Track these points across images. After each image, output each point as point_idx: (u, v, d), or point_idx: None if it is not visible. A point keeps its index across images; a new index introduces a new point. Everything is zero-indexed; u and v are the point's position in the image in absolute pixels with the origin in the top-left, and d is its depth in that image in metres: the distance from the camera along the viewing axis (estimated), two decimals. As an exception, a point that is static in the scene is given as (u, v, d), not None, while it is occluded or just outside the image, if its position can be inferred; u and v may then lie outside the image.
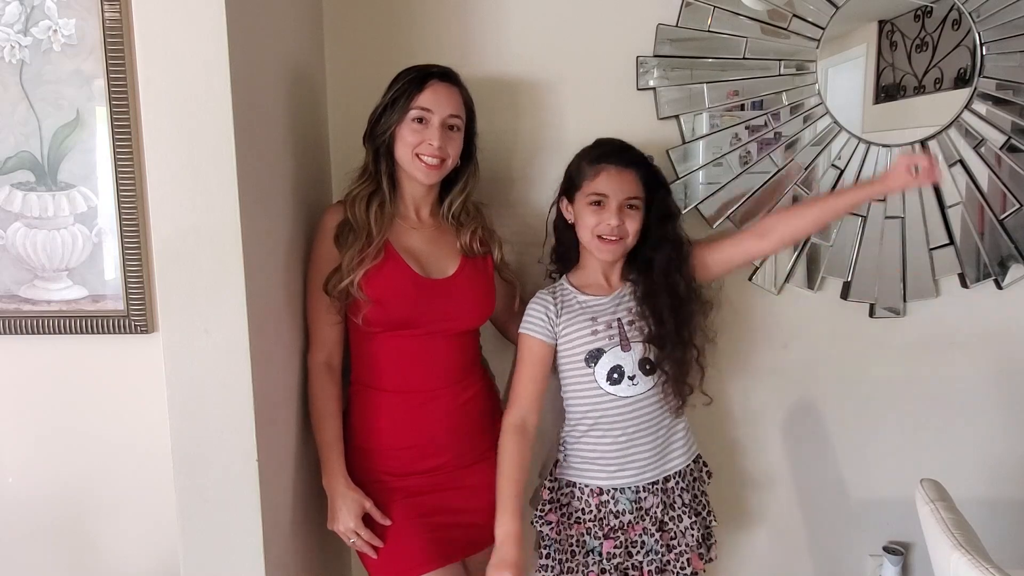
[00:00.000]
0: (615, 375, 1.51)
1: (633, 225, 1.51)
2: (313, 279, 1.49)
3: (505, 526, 1.46)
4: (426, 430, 1.50)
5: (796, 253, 1.79)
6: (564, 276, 1.62)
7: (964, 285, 1.81)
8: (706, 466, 1.66)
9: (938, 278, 1.80)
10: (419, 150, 1.45)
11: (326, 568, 1.73)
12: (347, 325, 1.52)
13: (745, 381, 1.86)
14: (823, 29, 1.69)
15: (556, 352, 1.56)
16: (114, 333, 1.64)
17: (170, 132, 1.22)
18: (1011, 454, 1.89)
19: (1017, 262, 1.78)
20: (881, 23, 1.74)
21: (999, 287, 1.80)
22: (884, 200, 1.76)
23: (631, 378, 1.51)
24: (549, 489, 1.59)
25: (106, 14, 1.55)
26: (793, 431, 1.90)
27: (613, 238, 1.50)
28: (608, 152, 1.53)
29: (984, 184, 1.75)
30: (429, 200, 1.55)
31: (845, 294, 1.82)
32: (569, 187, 1.56)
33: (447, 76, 1.49)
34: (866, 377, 1.86)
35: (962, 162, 1.74)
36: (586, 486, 1.56)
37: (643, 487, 1.54)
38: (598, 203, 1.50)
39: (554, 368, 1.58)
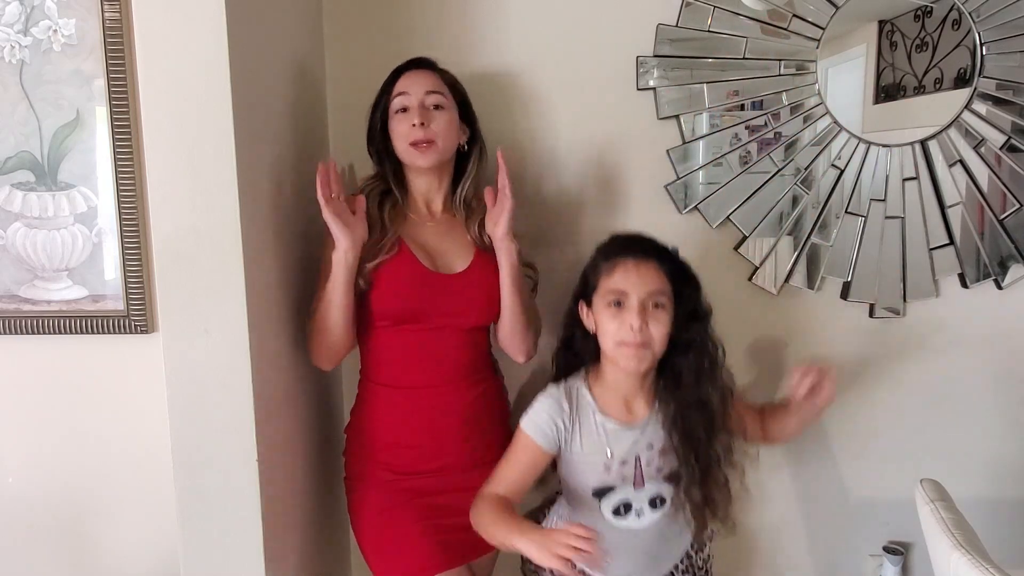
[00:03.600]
0: (622, 509, 1.39)
1: (659, 329, 1.31)
2: (326, 269, 1.48)
3: (520, 543, 1.23)
4: (434, 428, 1.50)
5: (796, 253, 1.79)
6: (584, 376, 1.43)
7: (964, 285, 1.81)
8: (703, 549, 1.55)
9: (938, 278, 1.80)
10: (409, 137, 1.45)
11: (326, 568, 1.73)
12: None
13: (745, 381, 1.86)
14: (823, 29, 1.69)
15: (558, 456, 1.41)
16: (114, 333, 1.64)
17: (170, 132, 1.22)
18: (1011, 454, 1.89)
19: (1017, 262, 1.78)
20: (881, 23, 1.74)
21: (999, 287, 1.80)
22: (884, 200, 1.76)
23: (638, 513, 1.39)
24: None
25: (106, 14, 1.55)
26: (793, 431, 1.90)
27: (636, 343, 1.30)
28: (624, 244, 1.38)
29: (984, 184, 1.75)
30: (440, 193, 1.55)
31: (845, 294, 1.82)
32: (586, 289, 1.41)
33: (418, 63, 1.51)
34: (866, 377, 1.86)
35: (962, 162, 1.74)
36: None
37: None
38: (618, 303, 1.32)
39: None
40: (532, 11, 1.72)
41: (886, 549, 1.91)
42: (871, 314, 1.83)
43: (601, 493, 1.39)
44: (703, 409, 1.36)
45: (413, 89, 1.46)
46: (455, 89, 1.52)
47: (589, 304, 1.40)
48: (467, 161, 1.55)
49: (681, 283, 1.37)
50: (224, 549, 1.33)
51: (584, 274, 1.43)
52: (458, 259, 1.52)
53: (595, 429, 1.38)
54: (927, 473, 1.50)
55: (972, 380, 1.86)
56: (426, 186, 1.53)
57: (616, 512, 1.39)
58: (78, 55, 1.58)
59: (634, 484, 1.38)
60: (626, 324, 1.31)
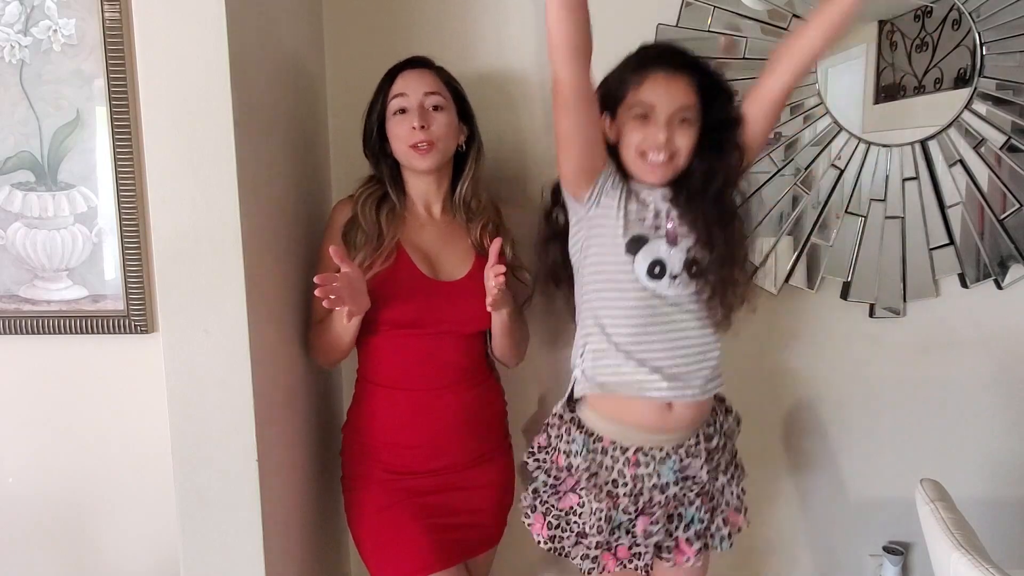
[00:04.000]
0: (656, 269, 1.31)
1: (685, 142, 1.29)
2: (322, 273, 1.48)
3: None
4: (432, 429, 1.50)
5: (796, 253, 1.79)
6: None
7: (964, 285, 1.81)
8: (731, 412, 1.51)
9: (938, 278, 1.80)
10: (409, 139, 1.44)
11: (326, 568, 1.73)
12: None
13: (745, 381, 1.86)
14: (823, 29, 1.69)
15: (594, 209, 1.34)
16: (114, 333, 1.64)
17: (170, 132, 1.22)
18: (1011, 454, 1.89)
19: (1017, 262, 1.78)
20: (881, 23, 1.74)
21: (999, 287, 1.80)
22: (884, 200, 1.76)
23: (673, 277, 1.31)
24: (560, 416, 1.42)
25: (106, 14, 1.55)
26: (793, 431, 1.90)
27: (660, 158, 1.28)
28: (655, 56, 1.32)
29: (984, 184, 1.75)
30: (440, 195, 1.54)
31: (845, 294, 1.82)
32: (609, 99, 1.33)
33: (415, 62, 1.49)
34: (866, 377, 1.86)
35: (962, 162, 1.74)
36: (618, 446, 1.35)
37: (687, 450, 1.36)
38: (644, 116, 1.28)
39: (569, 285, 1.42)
40: (532, 11, 1.71)
41: (886, 549, 1.91)
42: (871, 314, 1.83)
43: (635, 245, 1.31)
44: (719, 205, 1.34)
45: (412, 90, 1.45)
46: (452, 88, 1.51)
47: (613, 116, 1.34)
48: (465, 161, 1.54)
49: (712, 96, 1.33)
50: (224, 549, 1.33)
51: (607, 84, 1.34)
52: (458, 265, 1.51)
53: (629, 184, 1.35)
54: (927, 473, 1.49)
55: (972, 380, 1.86)
56: (425, 188, 1.52)
57: (651, 274, 1.31)
58: (78, 55, 1.58)
59: (667, 240, 1.32)
60: (651, 136, 1.28)
